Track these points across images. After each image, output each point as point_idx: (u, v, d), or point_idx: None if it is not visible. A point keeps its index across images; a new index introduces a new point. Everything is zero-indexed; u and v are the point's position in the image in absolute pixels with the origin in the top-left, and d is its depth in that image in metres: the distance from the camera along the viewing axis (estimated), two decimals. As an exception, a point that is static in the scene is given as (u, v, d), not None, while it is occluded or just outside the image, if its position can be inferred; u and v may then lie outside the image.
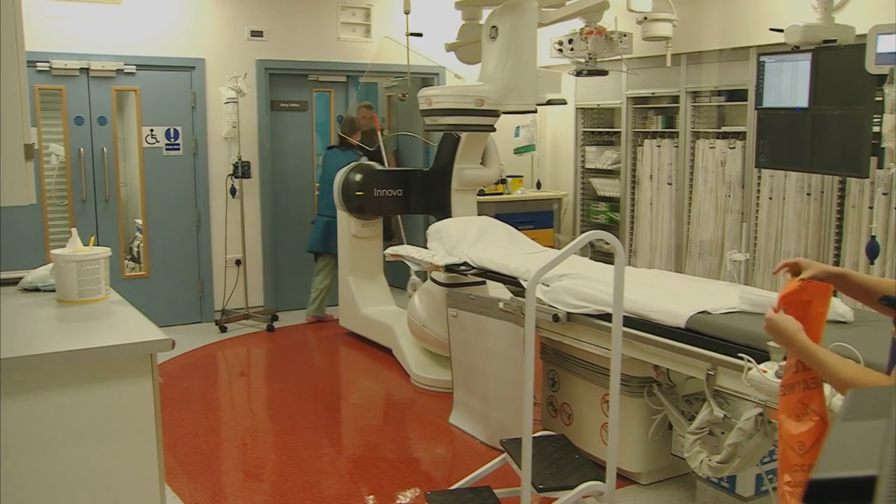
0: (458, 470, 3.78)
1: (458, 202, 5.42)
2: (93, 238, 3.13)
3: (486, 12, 5.20)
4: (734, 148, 5.80)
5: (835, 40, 4.51)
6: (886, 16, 4.10)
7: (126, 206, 6.63)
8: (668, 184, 6.36)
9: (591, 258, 5.06)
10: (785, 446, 1.79)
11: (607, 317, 3.12)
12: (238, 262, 6.65)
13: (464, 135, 5.27)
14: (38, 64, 5.80)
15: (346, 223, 6.00)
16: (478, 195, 5.75)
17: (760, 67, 4.84)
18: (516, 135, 7.35)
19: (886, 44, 3.78)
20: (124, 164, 6.47)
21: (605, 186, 7.15)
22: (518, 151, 7.43)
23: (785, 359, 2.56)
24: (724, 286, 3.64)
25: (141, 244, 6.52)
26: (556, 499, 2.95)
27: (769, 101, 4.78)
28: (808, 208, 5.28)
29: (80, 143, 6.09)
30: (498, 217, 5.18)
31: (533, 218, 6.96)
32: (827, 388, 2.20)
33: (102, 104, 6.14)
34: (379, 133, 6.61)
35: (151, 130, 6.34)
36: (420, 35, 5.59)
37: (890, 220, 4.71)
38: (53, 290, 2.90)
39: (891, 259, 4.72)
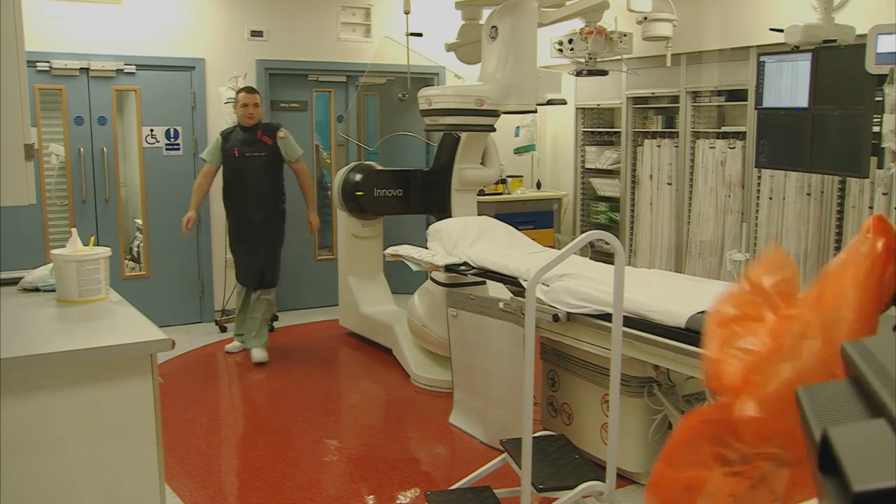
0: (458, 470, 3.78)
1: (458, 202, 5.42)
2: (93, 238, 3.14)
3: (486, 12, 5.20)
4: (734, 148, 5.80)
5: (835, 40, 4.51)
6: (886, 16, 4.10)
7: (126, 206, 6.63)
8: (668, 184, 6.36)
9: (591, 258, 5.06)
10: None
11: (607, 317, 3.12)
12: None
13: (464, 135, 5.27)
14: (38, 64, 5.80)
15: (346, 223, 6.00)
16: (478, 195, 5.75)
17: (760, 67, 4.84)
18: (516, 135, 7.35)
19: (886, 44, 3.77)
20: (124, 164, 6.47)
21: (605, 186, 7.15)
22: (518, 151, 7.43)
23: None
24: (724, 286, 3.64)
25: (141, 244, 6.52)
26: (556, 499, 2.95)
27: (769, 101, 4.78)
28: (808, 208, 5.28)
29: (80, 143, 6.09)
30: (498, 217, 5.18)
31: (533, 218, 6.96)
32: None
33: (102, 104, 6.14)
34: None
35: (151, 130, 6.34)
36: (420, 35, 5.59)
37: (890, 221, 4.70)
38: (53, 290, 2.90)
39: (891, 259, 4.71)
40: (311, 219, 5.72)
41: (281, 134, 5.46)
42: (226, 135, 5.46)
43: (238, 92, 5.51)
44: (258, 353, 5.52)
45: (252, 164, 5.40)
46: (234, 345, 5.78)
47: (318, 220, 5.82)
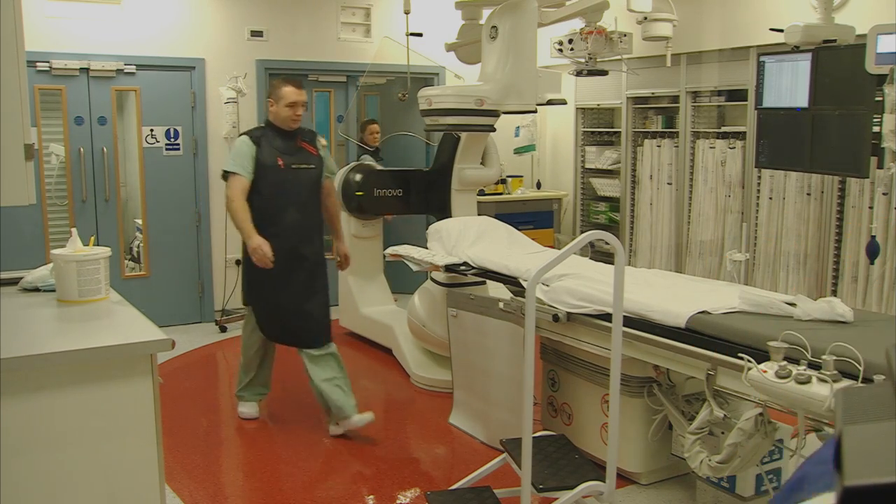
0: (458, 470, 3.78)
1: (458, 202, 5.42)
2: (93, 238, 3.13)
3: (486, 12, 5.20)
4: (734, 148, 5.80)
5: (835, 40, 4.51)
6: (886, 16, 4.10)
7: (126, 206, 6.63)
8: (668, 184, 6.36)
9: (591, 258, 5.06)
10: None
11: (607, 317, 3.12)
12: (238, 262, 6.63)
13: (464, 135, 5.27)
14: (38, 64, 5.80)
15: (346, 223, 6.00)
16: (478, 195, 5.75)
17: (760, 67, 4.84)
18: (516, 135, 7.35)
19: (886, 44, 3.77)
20: (124, 164, 6.47)
21: (605, 186, 7.15)
22: (518, 151, 7.43)
23: (785, 359, 2.57)
24: (724, 286, 3.64)
25: (141, 244, 6.52)
26: (556, 499, 2.95)
27: (769, 101, 4.78)
28: (808, 208, 5.28)
29: (80, 143, 6.09)
30: (498, 217, 5.18)
31: (533, 218, 6.96)
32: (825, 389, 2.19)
33: (102, 104, 6.14)
34: None
35: (151, 130, 6.35)
36: (420, 35, 5.59)
37: (890, 220, 4.71)
38: (53, 290, 2.90)
39: (891, 259, 4.72)
40: (343, 250, 4.44)
41: (323, 141, 4.35)
42: (256, 139, 4.08)
43: (282, 84, 4.10)
44: (361, 418, 4.24)
45: (301, 178, 4.11)
46: (252, 409, 4.47)
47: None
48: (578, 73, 5.48)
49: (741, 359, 2.68)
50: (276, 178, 4.05)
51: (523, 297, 3.27)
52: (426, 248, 4.86)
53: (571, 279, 3.64)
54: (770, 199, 5.53)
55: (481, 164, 5.52)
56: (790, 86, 4.61)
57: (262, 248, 3.93)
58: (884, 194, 4.70)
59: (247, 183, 4.03)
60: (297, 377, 5.27)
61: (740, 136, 5.78)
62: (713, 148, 5.97)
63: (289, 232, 4.08)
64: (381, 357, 5.63)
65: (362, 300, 5.96)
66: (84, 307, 2.77)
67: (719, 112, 6.08)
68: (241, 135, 4.20)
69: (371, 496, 3.62)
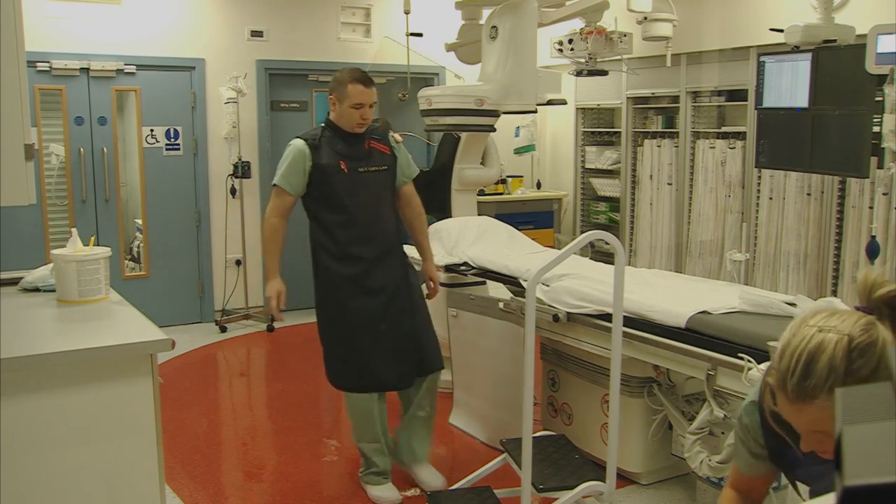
0: (458, 470, 3.77)
1: (458, 202, 5.42)
2: (93, 238, 3.13)
3: (486, 12, 5.20)
4: (734, 148, 5.80)
5: (835, 40, 4.51)
6: (886, 16, 4.10)
7: (126, 206, 6.63)
8: (668, 184, 6.36)
9: (591, 258, 5.06)
10: None
11: (607, 317, 3.12)
12: (238, 262, 6.65)
13: (464, 135, 5.27)
14: (38, 64, 5.80)
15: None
16: (478, 195, 5.74)
17: (760, 67, 4.84)
18: (516, 135, 7.35)
19: (886, 44, 3.77)
20: (124, 164, 6.48)
21: (605, 186, 7.15)
22: (518, 151, 7.43)
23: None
24: (724, 286, 3.64)
25: (141, 244, 6.52)
26: (556, 499, 2.95)
27: (769, 101, 4.78)
28: (808, 208, 5.28)
29: (80, 143, 6.09)
30: (498, 217, 5.17)
31: (533, 218, 6.95)
32: None
33: (102, 104, 6.14)
34: None
35: (151, 130, 6.35)
36: (420, 35, 5.59)
37: (890, 220, 4.70)
38: (53, 290, 2.90)
39: (891, 259, 4.72)
40: (432, 273, 3.69)
41: (398, 137, 3.62)
42: (314, 143, 3.36)
43: (347, 81, 3.38)
44: (432, 475, 3.58)
45: (371, 184, 3.44)
46: (389, 491, 3.50)
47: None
48: (578, 73, 5.48)
49: (741, 359, 2.68)
50: (338, 185, 3.35)
51: (523, 297, 3.27)
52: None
53: (571, 279, 3.63)
54: (770, 199, 5.53)
55: (481, 164, 5.51)
56: (790, 86, 4.61)
57: (272, 301, 3.52)
58: (884, 194, 4.70)
59: (291, 201, 3.44)
60: (298, 375, 5.27)
61: (740, 136, 5.77)
62: (713, 148, 5.96)
63: (365, 249, 3.40)
64: (381, 357, 5.63)
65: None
66: (84, 307, 2.77)
67: (719, 112, 6.08)
68: (296, 137, 3.43)
69: (371, 496, 3.62)
